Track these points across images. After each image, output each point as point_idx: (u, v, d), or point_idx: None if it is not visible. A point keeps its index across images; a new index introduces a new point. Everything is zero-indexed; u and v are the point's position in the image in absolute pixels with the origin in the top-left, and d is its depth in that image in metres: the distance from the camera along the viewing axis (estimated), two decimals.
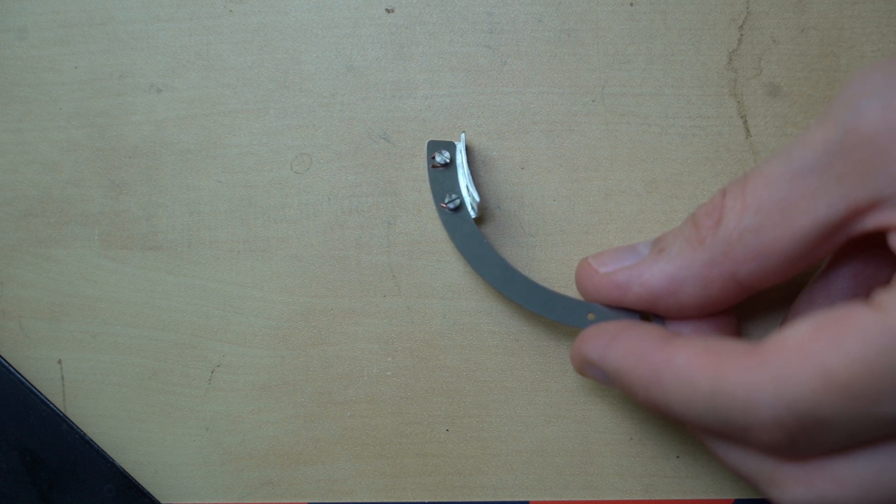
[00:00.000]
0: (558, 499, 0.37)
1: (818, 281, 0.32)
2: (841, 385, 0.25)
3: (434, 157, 0.35)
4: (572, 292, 0.36)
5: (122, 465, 0.38)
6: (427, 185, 0.37)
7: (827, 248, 0.29)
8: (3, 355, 0.38)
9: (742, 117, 0.36)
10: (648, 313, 0.33)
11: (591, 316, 0.34)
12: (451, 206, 0.35)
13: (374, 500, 0.38)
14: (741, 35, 0.36)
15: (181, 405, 0.38)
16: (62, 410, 0.38)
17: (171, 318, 0.38)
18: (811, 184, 0.28)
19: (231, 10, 0.37)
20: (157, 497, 0.38)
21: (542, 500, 0.37)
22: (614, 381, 0.31)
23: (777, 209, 0.28)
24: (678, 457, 0.37)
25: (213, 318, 0.38)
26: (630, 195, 0.37)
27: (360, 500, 0.38)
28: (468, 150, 0.36)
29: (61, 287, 0.38)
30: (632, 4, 0.36)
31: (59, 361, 0.38)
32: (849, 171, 0.27)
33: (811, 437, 0.26)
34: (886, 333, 0.25)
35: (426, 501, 0.37)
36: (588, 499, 0.37)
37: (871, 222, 0.27)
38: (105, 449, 0.38)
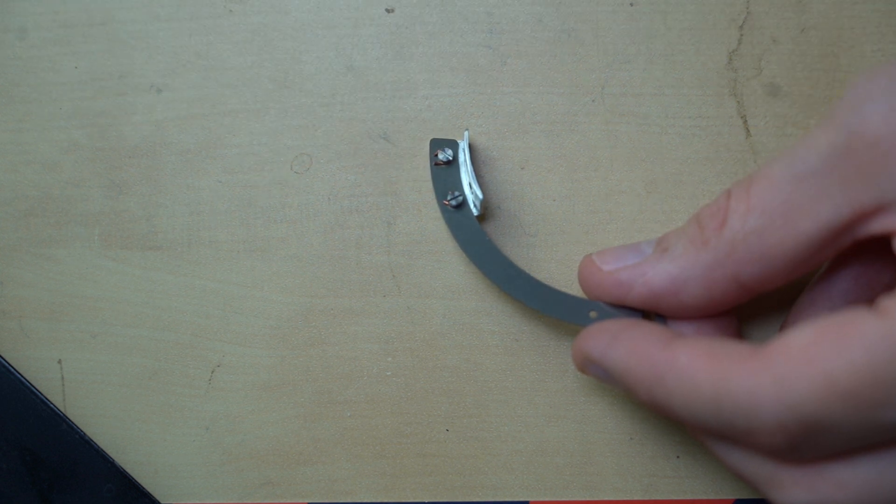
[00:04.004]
0: (558, 499, 0.37)
1: (820, 283, 0.32)
2: (844, 391, 0.25)
3: (437, 155, 0.35)
4: (573, 292, 0.36)
5: (122, 465, 0.38)
6: (427, 185, 0.37)
7: (830, 251, 0.29)
8: (3, 355, 0.38)
9: (742, 117, 0.36)
10: (650, 312, 0.33)
11: (593, 314, 0.34)
12: (454, 203, 0.35)
13: (374, 500, 0.38)
14: (741, 35, 0.36)
15: (181, 405, 0.38)
16: (62, 410, 0.38)
17: (171, 318, 0.38)
18: (815, 187, 0.28)
19: (231, 10, 0.37)
20: (157, 497, 0.38)
21: (542, 500, 0.37)
22: (616, 379, 0.31)
23: (781, 212, 0.28)
24: (678, 457, 0.37)
25: (213, 318, 0.38)
26: (630, 195, 0.37)
27: (360, 500, 0.38)
28: (470, 147, 0.36)
29: (61, 287, 0.38)
30: (632, 4, 0.36)
31: (59, 361, 0.38)
32: (853, 175, 0.27)
33: (813, 441, 0.26)
34: (890, 340, 0.25)
35: (426, 501, 0.37)
36: (588, 499, 0.37)
37: (876, 226, 0.27)
38: (105, 449, 0.38)
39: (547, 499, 0.37)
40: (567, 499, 0.37)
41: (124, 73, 0.38)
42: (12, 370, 0.37)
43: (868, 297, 0.31)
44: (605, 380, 0.32)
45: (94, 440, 0.38)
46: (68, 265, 0.38)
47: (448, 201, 0.35)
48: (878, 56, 0.36)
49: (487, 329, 0.37)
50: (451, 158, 0.35)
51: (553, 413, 0.37)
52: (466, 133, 0.35)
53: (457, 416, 0.37)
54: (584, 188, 0.37)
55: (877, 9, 0.36)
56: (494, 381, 0.37)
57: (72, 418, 0.38)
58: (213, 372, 0.38)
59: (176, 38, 0.38)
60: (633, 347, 0.30)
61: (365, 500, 0.38)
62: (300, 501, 0.38)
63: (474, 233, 0.35)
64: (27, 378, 0.38)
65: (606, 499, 0.37)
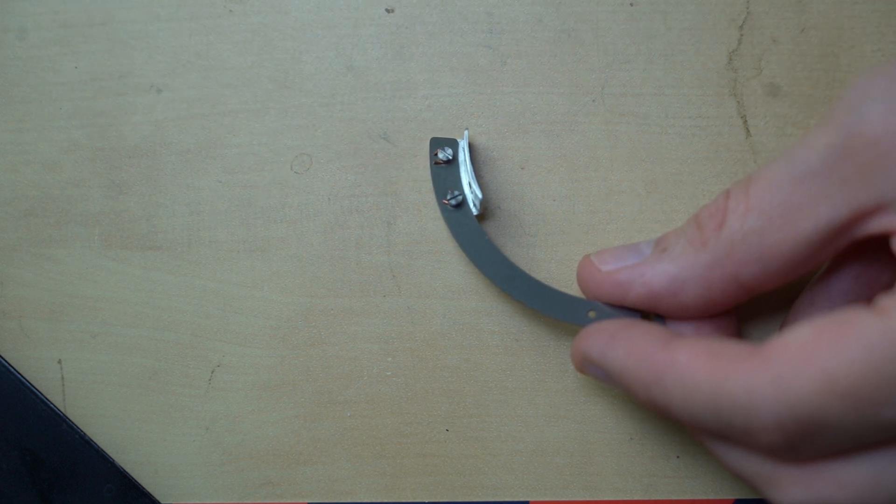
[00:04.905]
0: (558, 499, 0.37)
1: (819, 282, 0.32)
2: (842, 389, 0.25)
3: (437, 154, 0.35)
4: (573, 292, 0.36)
5: (122, 465, 0.38)
6: (427, 185, 0.37)
7: (829, 252, 0.29)
8: (3, 355, 0.38)
9: (742, 117, 0.36)
10: (649, 313, 0.33)
11: (592, 314, 0.34)
12: (454, 202, 0.35)
13: (374, 500, 0.38)
14: (741, 35, 0.36)
15: (181, 405, 0.38)
16: (62, 410, 0.38)
17: (171, 318, 0.38)
18: (814, 187, 0.28)
19: (231, 10, 0.37)
20: (157, 497, 0.38)
21: (542, 500, 0.37)
22: (614, 379, 0.31)
23: (780, 212, 0.28)
24: (678, 457, 0.37)
25: (213, 318, 0.38)
26: (630, 195, 0.37)
27: (360, 500, 0.38)
28: (470, 147, 0.36)
29: (61, 287, 0.38)
30: (632, 4, 0.36)
31: (59, 361, 0.38)
32: (852, 175, 0.27)
33: (811, 439, 0.26)
34: (889, 339, 0.25)
35: (426, 501, 0.37)
36: (588, 499, 0.37)
37: (874, 226, 0.27)
38: (105, 449, 0.38)
39: (547, 499, 0.37)
40: (567, 499, 0.37)
41: (124, 73, 0.38)
42: (12, 370, 0.37)
43: (867, 297, 0.31)
44: (604, 380, 0.32)
45: (94, 440, 0.38)
46: (68, 265, 0.38)
47: (448, 201, 0.35)
48: (878, 56, 0.36)
49: (487, 329, 0.37)
50: (450, 157, 0.35)
51: (553, 413, 0.37)
52: (466, 132, 0.35)
53: (457, 416, 0.37)
54: (584, 188, 0.37)
55: (877, 9, 0.36)
56: (494, 381, 0.37)
57: (72, 418, 0.38)
58: (213, 372, 0.38)
59: (176, 38, 0.38)
60: (632, 347, 0.30)
61: (365, 500, 0.38)
62: (300, 501, 0.38)
63: (474, 232, 0.35)
64: (27, 378, 0.38)
65: (606, 499, 0.37)
